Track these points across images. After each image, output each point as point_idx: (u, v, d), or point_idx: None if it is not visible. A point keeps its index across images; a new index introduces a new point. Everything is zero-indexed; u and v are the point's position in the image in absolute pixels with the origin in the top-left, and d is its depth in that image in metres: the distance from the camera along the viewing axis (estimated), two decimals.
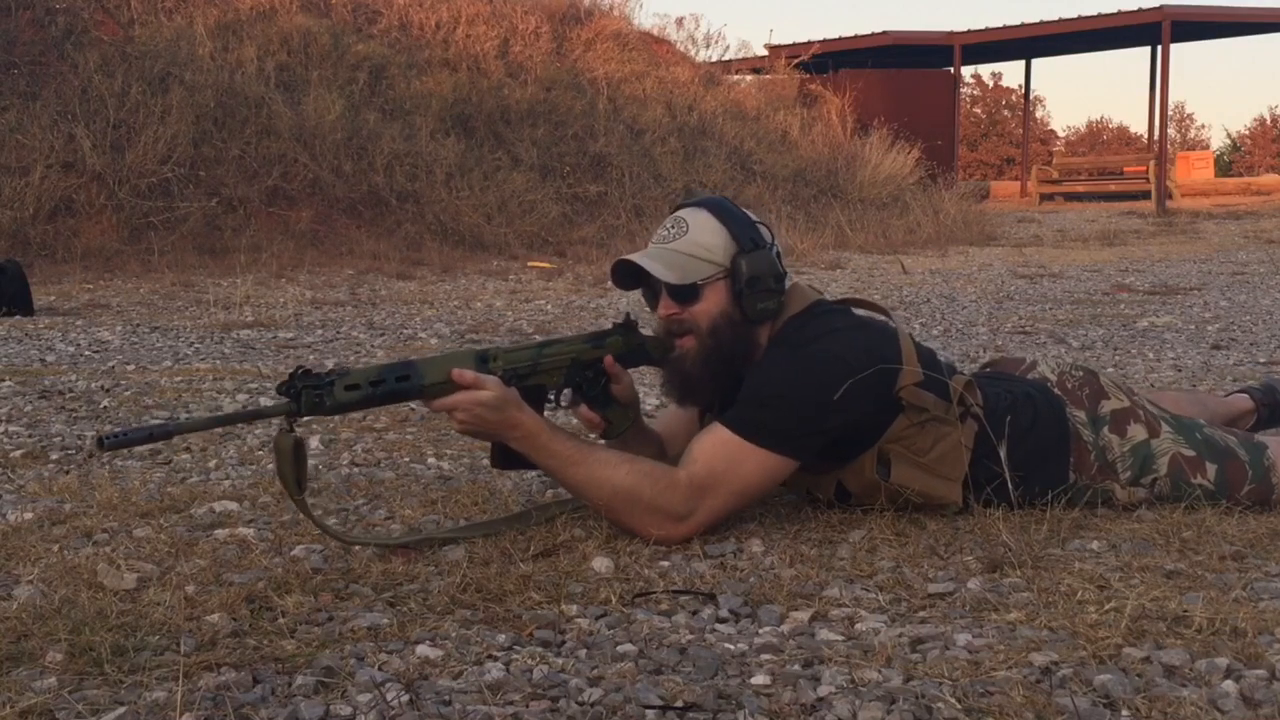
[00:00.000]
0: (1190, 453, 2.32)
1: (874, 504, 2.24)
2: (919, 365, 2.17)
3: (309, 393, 1.93)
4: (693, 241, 2.15)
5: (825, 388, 2.07)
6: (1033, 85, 37.16)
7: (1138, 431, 2.32)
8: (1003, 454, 2.16)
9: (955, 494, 2.22)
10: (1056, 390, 2.39)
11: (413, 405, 3.60)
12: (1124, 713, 1.41)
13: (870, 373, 2.09)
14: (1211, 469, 2.31)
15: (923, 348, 2.25)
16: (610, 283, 2.27)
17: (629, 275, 2.20)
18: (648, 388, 3.59)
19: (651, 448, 2.31)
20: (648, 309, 2.25)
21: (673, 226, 2.19)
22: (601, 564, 1.97)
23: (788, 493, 2.39)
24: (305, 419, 2.07)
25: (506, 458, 2.14)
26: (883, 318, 2.30)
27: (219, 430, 3.17)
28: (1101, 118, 56.92)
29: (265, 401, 3.59)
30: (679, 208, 2.24)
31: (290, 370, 1.98)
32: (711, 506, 2.08)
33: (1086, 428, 2.32)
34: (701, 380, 2.19)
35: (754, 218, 2.20)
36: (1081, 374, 2.44)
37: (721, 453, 2.07)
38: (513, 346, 2.18)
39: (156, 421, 1.86)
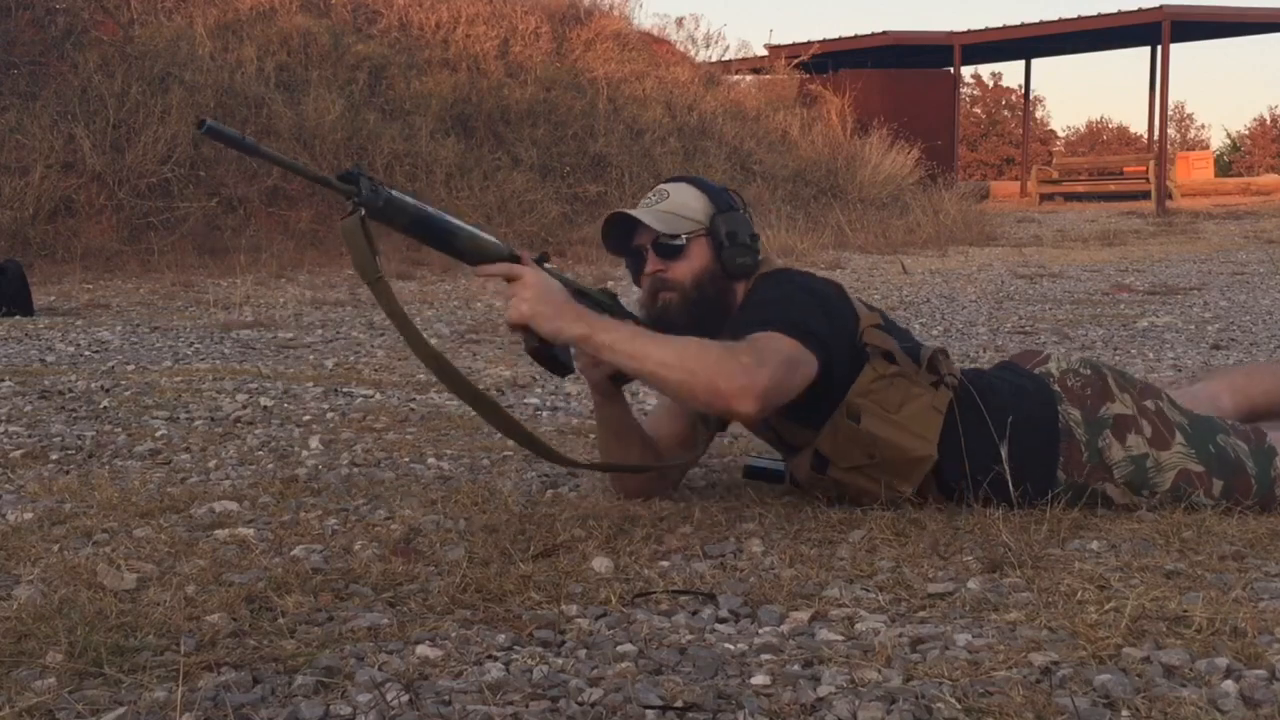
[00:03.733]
0: (1199, 468, 2.29)
1: (854, 465, 2.24)
2: (878, 320, 2.30)
3: (367, 181, 1.91)
4: (675, 203, 2.32)
5: (813, 294, 2.23)
6: (1033, 85, 37.10)
7: (1137, 443, 2.29)
8: (994, 440, 2.20)
9: (929, 449, 2.22)
10: (1055, 386, 2.37)
11: (412, 404, 3.60)
12: (1124, 713, 1.41)
13: (843, 303, 2.25)
14: (1217, 485, 2.29)
15: (886, 315, 2.36)
16: (601, 241, 2.40)
17: (619, 237, 2.34)
18: (648, 389, 3.59)
19: (644, 439, 2.38)
20: (634, 285, 2.36)
21: (655, 194, 2.37)
22: (601, 564, 1.97)
23: (787, 493, 2.40)
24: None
25: (543, 351, 2.11)
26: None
27: (219, 430, 3.18)
28: (1101, 118, 56.95)
29: (265, 401, 3.60)
30: (659, 184, 2.42)
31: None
32: (774, 364, 2.05)
33: (1080, 426, 2.30)
34: (683, 329, 2.19)
35: (726, 188, 2.38)
36: (1089, 373, 2.39)
37: (756, 335, 2.09)
38: None
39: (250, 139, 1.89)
